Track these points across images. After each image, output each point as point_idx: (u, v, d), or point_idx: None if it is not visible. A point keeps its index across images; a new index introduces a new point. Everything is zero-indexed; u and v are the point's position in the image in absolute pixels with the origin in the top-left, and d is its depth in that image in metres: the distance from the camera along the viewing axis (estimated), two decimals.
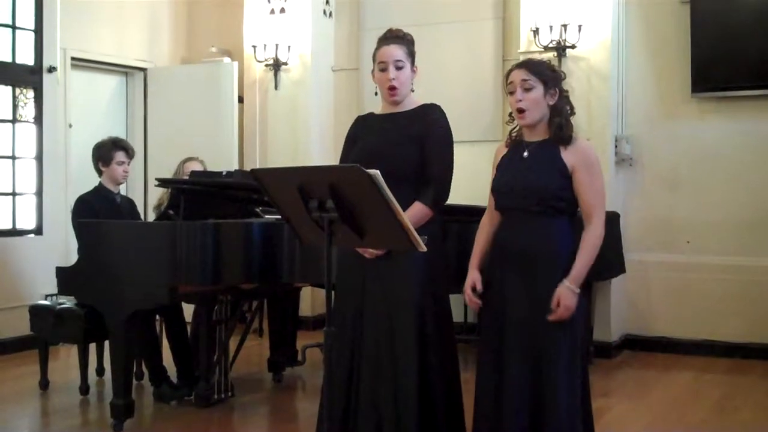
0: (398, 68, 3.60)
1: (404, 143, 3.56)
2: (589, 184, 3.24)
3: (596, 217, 3.24)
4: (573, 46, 6.54)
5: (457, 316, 6.88)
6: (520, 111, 3.29)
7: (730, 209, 6.64)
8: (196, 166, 5.93)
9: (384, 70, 3.62)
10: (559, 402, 3.17)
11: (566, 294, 3.18)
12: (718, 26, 6.56)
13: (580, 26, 6.52)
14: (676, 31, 6.76)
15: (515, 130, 3.43)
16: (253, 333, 7.01)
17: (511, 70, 3.38)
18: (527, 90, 3.27)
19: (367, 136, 3.68)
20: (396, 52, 3.62)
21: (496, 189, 3.38)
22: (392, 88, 3.61)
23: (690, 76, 6.63)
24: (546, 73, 3.30)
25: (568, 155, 3.25)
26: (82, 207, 5.43)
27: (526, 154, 3.33)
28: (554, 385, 3.18)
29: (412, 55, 3.68)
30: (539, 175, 3.25)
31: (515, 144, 3.41)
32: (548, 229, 3.25)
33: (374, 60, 3.69)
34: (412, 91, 3.70)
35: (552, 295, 3.20)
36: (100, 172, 5.55)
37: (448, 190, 3.62)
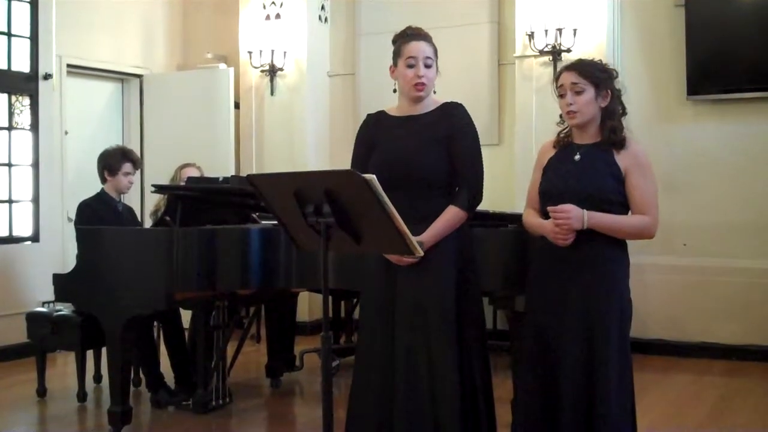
0: (427, 66, 3.52)
1: (431, 147, 3.44)
2: (642, 187, 3.21)
3: (651, 214, 3.22)
4: (568, 50, 6.55)
5: None
6: (570, 113, 3.26)
7: (727, 212, 6.65)
8: (194, 172, 5.93)
9: (412, 66, 3.50)
10: (611, 399, 3.16)
11: (577, 213, 3.13)
12: (713, 29, 6.57)
13: (575, 30, 6.53)
14: (671, 34, 6.77)
15: (564, 130, 3.39)
16: (251, 339, 7.01)
17: (560, 72, 3.34)
18: (578, 93, 3.24)
19: (389, 141, 3.53)
20: (426, 49, 3.54)
21: (547, 192, 3.31)
22: (420, 85, 3.49)
23: (685, 79, 6.64)
24: (597, 75, 3.27)
25: (621, 158, 3.22)
26: (86, 212, 5.42)
27: (577, 157, 3.28)
28: (607, 383, 3.16)
29: (436, 53, 3.59)
30: (594, 178, 3.21)
31: (564, 146, 3.36)
32: (601, 235, 3.21)
33: (398, 56, 3.55)
34: (434, 92, 3.61)
35: (609, 298, 3.22)
36: (104, 180, 5.53)
37: (482, 190, 3.52)
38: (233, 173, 7.56)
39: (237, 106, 8.04)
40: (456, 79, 7.33)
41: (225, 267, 4.75)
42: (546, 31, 6.60)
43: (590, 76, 3.25)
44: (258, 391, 5.91)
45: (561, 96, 3.29)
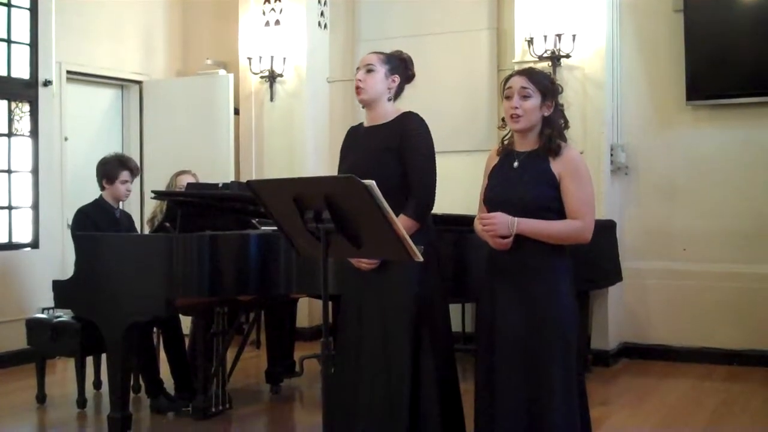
0: (368, 71, 3.66)
1: (384, 157, 3.59)
2: (575, 191, 3.24)
3: (584, 219, 3.23)
4: (568, 56, 6.56)
5: (456, 325, 6.90)
6: (514, 116, 3.30)
7: (726, 217, 6.65)
8: (189, 179, 5.93)
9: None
10: (555, 408, 3.17)
11: (503, 219, 3.18)
12: (712, 34, 6.58)
13: (574, 36, 6.53)
14: (670, 39, 6.78)
15: (507, 137, 3.44)
16: (251, 344, 7.00)
17: (511, 76, 3.39)
18: (525, 98, 3.28)
19: (352, 152, 3.74)
20: (370, 57, 3.70)
21: (489, 200, 3.38)
22: (357, 88, 3.68)
23: (684, 84, 6.65)
24: (545, 85, 3.32)
25: (556, 165, 3.26)
26: (82, 219, 5.41)
27: (516, 164, 3.33)
28: (550, 392, 3.18)
29: (390, 63, 3.70)
30: (529, 186, 3.26)
31: (506, 153, 3.41)
32: (540, 241, 3.24)
33: None
34: (390, 100, 3.72)
35: (546, 306, 3.21)
36: (102, 187, 5.54)
37: (433, 199, 3.64)
38: (233, 179, 7.55)
39: (237, 112, 8.05)
40: (455, 85, 7.36)
41: (225, 273, 4.76)
42: (545, 36, 6.60)
43: (539, 83, 3.31)
44: (258, 397, 5.90)
45: (507, 98, 3.33)
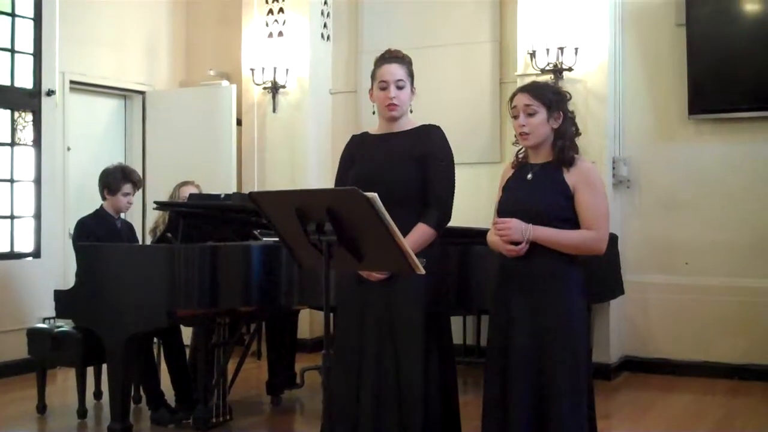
0: (399, 88, 3.64)
1: (405, 164, 3.57)
2: (589, 202, 3.25)
3: (598, 230, 3.24)
4: (570, 69, 6.56)
5: (458, 338, 6.89)
6: (523, 135, 3.32)
7: (729, 230, 6.65)
8: (192, 190, 5.94)
9: (385, 88, 3.65)
10: (563, 419, 3.17)
11: (517, 225, 3.18)
12: (714, 48, 6.58)
13: (576, 49, 6.54)
14: (672, 53, 6.79)
15: (521, 151, 3.46)
16: (252, 356, 6.99)
17: (515, 94, 3.41)
18: (530, 115, 3.30)
19: (366, 157, 3.69)
20: (397, 71, 3.66)
21: (502, 210, 3.38)
22: (392, 105, 3.63)
23: (687, 98, 6.65)
24: (549, 97, 3.33)
25: (570, 176, 3.28)
26: (83, 229, 5.43)
27: (530, 176, 3.35)
28: (558, 402, 3.18)
29: (411, 76, 3.72)
30: (542, 197, 3.27)
31: (521, 166, 3.43)
32: (553, 250, 3.24)
33: (374, 79, 3.72)
34: (411, 111, 3.73)
35: (556, 315, 3.21)
36: (103, 198, 5.54)
37: (451, 212, 3.64)
38: (235, 190, 7.56)
39: (239, 123, 8.06)
40: (458, 98, 7.36)
41: (226, 284, 4.76)
42: (547, 49, 6.60)
43: (542, 97, 3.32)
44: (258, 408, 5.89)
45: (514, 117, 3.36)
